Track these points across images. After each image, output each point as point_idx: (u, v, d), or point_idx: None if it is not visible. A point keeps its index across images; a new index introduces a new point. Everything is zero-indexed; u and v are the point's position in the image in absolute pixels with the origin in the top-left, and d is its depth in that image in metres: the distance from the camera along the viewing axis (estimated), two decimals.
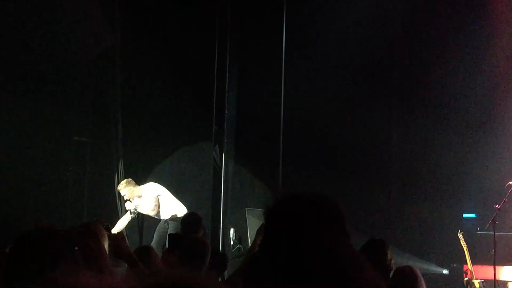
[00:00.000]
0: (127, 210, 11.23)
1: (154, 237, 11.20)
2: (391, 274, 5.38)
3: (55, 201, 11.63)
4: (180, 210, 11.22)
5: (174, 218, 11.06)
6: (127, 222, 11.36)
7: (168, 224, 11.12)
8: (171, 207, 11.27)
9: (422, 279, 5.24)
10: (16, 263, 2.86)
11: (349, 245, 2.10)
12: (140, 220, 12.40)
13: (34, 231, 3.05)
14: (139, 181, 11.72)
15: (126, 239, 5.32)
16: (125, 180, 11.35)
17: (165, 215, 11.22)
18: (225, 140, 13.05)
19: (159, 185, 11.44)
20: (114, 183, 12.41)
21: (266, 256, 2.08)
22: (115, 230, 11.37)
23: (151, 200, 11.22)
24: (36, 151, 11.63)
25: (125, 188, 11.22)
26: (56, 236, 2.96)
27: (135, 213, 11.23)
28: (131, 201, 11.21)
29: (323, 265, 1.97)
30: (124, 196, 11.30)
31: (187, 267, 4.95)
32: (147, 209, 11.22)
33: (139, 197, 11.25)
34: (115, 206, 12.35)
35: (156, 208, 11.20)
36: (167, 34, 12.64)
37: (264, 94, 12.87)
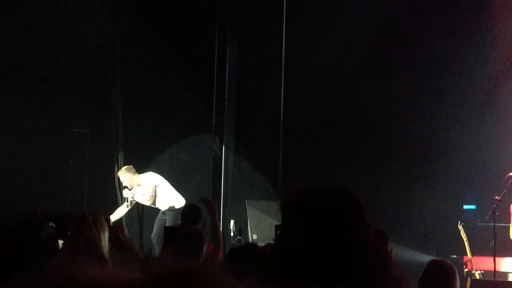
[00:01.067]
0: (125, 198, 11.23)
1: (154, 229, 11.22)
2: (425, 265, 5.38)
3: (55, 193, 11.63)
4: (178, 201, 11.24)
5: (172, 209, 11.08)
6: (124, 212, 11.37)
7: (166, 216, 11.14)
8: (169, 198, 11.28)
9: (457, 275, 5.27)
10: (13, 253, 2.87)
11: (371, 236, 2.06)
12: (140, 211, 12.41)
13: (29, 218, 3.07)
14: (139, 172, 11.72)
15: (126, 230, 5.33)
16: (125, 167, 11.35)
17: (163, 206, 11.24)
18: (225, 131, 13.05)
19: (158, 175, 11.45)
20: (114, 174, 12.42)
21: (285, 251, 2.02)
22: (112, 219, 11.46)
23: (148, 190, 11.22)
24: (37, 142, 11.63)
25: (124, 175, 11.22)
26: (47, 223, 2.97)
27: (133, 203, 11.23)
28: (129, 189, 11.21)
29: (348, 258, 1.93)
30: (123, 183, 11.29)
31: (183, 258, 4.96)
32: (143, 199, 11.23)
33: (138, 185, 11.26)
34: (115, 197, 12.36)
35: (152, 198, 11.21)
36: (167, 25, 12.63)
37: (264, 85, 12.86)
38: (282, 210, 2.12)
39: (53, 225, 3.09)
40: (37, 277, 0.86)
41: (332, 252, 1.94)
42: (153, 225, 11.31)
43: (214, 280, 0.85)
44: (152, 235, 11.18)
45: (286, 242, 2.05)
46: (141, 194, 11.23)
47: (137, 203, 11.43)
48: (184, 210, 9.01)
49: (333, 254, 1.94)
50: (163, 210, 11.22)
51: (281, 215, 2.11)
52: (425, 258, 11.69)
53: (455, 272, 5.33)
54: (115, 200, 12.26)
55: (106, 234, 2.89)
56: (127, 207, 11.26)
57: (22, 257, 2.88)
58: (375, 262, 1.97)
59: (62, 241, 3.10)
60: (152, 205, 11.30)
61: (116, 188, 12.39)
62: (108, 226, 3.01)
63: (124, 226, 11.36)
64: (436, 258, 5.53)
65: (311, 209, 2.06)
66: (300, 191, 2.15)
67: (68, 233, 2.86)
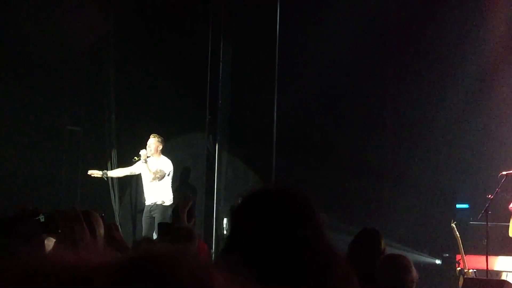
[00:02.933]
0: (139, 154, 11.31)
1: (143, 227, 11.29)
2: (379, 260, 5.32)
3: (48, 190, 11.61)
4: (169, 197, 11.33)
5: (160, 204, 11.14)
6: (128, 171, 11.60)
7: (153, 212, 11.22)
8: (165, 191, 11.36)
9: (412, 268, 5.17)
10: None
11: (318, 238, 2.05)
12: (133, 209, 12.41)
13: (17, 214, 3.07)
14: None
15: (119, 228, 5.33)
16: (161, 137, 11.56)
17: (156, 197, 11.28)
18: (219, 129, 13.04)
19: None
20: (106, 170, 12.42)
21: (231, 255, 2.04)
22: (114, 173, 11.54)
23: (166, 164, 11.44)
24: (30, 140, 11.61)
25: (157, 140, 11.47)
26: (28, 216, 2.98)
27: (142, 161, 11.30)
28: (147, 156, 11.35)
29: (291, 259, 1.95)
30: (149, 147, 11.42)
31: None
32: (155, 166, 11.40)
33: (158, 156, 11.44)
34: (108, 195, 12.34)
35: (159, 176, 11.35)
36: (161, 23, 12.61)
37: (257, 84, 12.86)
38: (230, 213, 2.15)
39: (42, 219, 3.09)
40: (6, 262, 0.86)
41: (274, 253, 1.95)
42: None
43: (185, 263, 0.85)
44: (142, 234, 11.19)
45: (232, 244, 2.07)
46: (156, 163, 11.43)
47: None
48: (175, 207, 9.03)
49: (275, 255, 1.95)
50: (151, 203, 11.28)
51: (230, 219, 2.16)
52: (419, 256, 11.74)
53: (409, 263, 5.15)
54: (108, 198, 12.25)
55: (102, 231, 2.90)
56: (133, 159, 11.39)
57: (7, 253, 2.88)
58: (320, 263, 1.97)
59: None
60: (153, 179, 11.31)
61: (109, 186, 12.38)
62: (103, 223, 3.02)
63: (117, 224, 11.34)
64: (390, 253, 5.44)
65: (253, 211, 2.08)
66: (247, 194, 2.16)
67: (59, 230, 2.86)
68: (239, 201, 2.18)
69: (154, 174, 11.36)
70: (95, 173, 11.60)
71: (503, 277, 10.76)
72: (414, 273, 5.08)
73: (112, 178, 12.23)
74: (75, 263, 0.86)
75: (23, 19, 11.66)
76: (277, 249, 1.96)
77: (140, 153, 11.38)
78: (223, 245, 2.14)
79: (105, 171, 11.71)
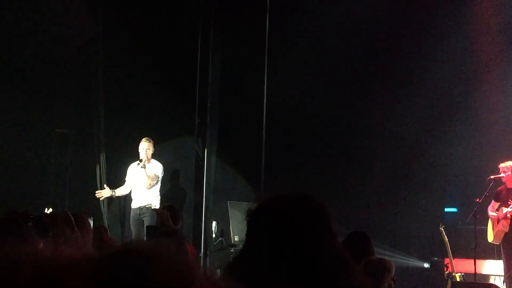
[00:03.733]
0: (140, 159, 11.32)
1: (133, 231, 11.27)
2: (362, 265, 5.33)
3: (36, 193, 11.58)
4: (157, 201, 11.32)
5: (149, 208, 11.12)
6: (129, 187, 11.52)
7: (142, 216, 11.20)
8: (154, 195, 11.34)
9: (390, 271, 5.16)
10: None
11: (335, 244, 2.07)
12: (122, 212, 12.39)
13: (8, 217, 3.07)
14: (122, 174, 11.70)
15: (108, 231, 5.33)
16: (153, 141, 11.51)
17: (143, 202, 11.26)
18: (208, 133, 13.04)
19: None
20: (95, 175, 12.38)
21: (249, 259, 2.05)
22: (121, 192, 11.44)
23: (159, 168, 11.45)
24: (18, 142, 11.57)
25: (150, 143, 11.43)
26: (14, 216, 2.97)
27: (142, 166, 11.31)
28: (142, 158, 11.37)
29: (309, 265, 1.95)
30: (142, 150, 11.38)
31: None
32: (151, 171, 11.36)
33: (149, 161, 11.42)
34: (97, 198, 12.31)
35: (153, 182, 11.32)
36: (150, 26, 12.61)
37: (247, 87, 12.86)
38: (247, 216, 2.15)
39: (30, 223, 3.09)
40: None
41: (292, 257, 1.96)
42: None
43: (165, 258, 0.86)
44: (133, 237, 11.16)
45: (250, 247, 2.08)
46: (150, 167, 11.39)
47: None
48: (163, 209, 9.05)
49: (293, 260, 1.96)
50: (140, 206, 11.26)
51: (247, 222, 2.12)
52: (407, 260, 11.77)
53: (384, 268, 5.17)
54: (97, 201, 12.21)
55: (90, 234, 2.89)
56: (138, 164, 11.37)
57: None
58: (335, 268, 1.98)
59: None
60: (148, 186, 11.30)
61: (98, 189, 12.35)
62: (92, 226, 3.01)
63: (106, 226, 11.33)
64: (371, 258, 5.45)
65: (271, 217, 2.09)
66: (265, 198, 2.17)
67: (50, 233, 2.85)
68: (255, 206, 2.18)
69: (151, 180, 11.34)
70: (104, 194, 11.53)
71: (491, 280, 10.80)
72: (389, 277, 5.09)
73: (100, 181, 12.20)
74: (56, 256, 0.85)
75: (12, 21, 11.62)
76: (294, 254, 1.97)
77: (141, 157, 11.36)
78: (240, 250, 2.14)
79: (113, 191, 11.60)
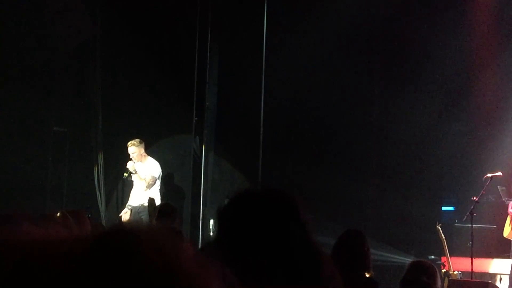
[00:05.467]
0: (127, 169, 11.25)
1: None
2: (407, 265, 5.44)
3: (34, 191, 11.58)
4: (156, 199, 11.31)
5: (146, 207, 11.12)
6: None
7: (141, 214, 11.18)
8: (154, 193, 11.35)
9: (438, 275, 5.32)
10: None
11: (305, 237, 2.07)
12: (119, 211, 12.39)
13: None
14: (119, 173, 11.70)
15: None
16: (138, 140, 11.40)
17: (142, 200, 11.25)
18: (205, 131, 13.05)
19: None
20: (93, 174, 12.39)
21: (219, 255, 2.05)
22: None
23: (155, 168, 11.37)
24: (16, 140, 11.57)
25: (137, 146, 11.30)
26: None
27: (132, 174, 11.24)
28: (134, 162, 11.25)
29: (279, 258, 1.96)
30: (132, 154, 11.30)
31: None
32: (145, 173, 11.30)
33: (142, 162, 11.34)
34: (95, 196, 12.32)
35: (150, 185, 11.31)
36: (148, 25, 12.60)
37: (244, 85, 12.87)
38: (217, 214, 2.16)
39: None
40: None
41: (263, 252, 1.97)
42: None
43: (154, 239, 0.86)
44: None
45: (218, 243, 2.09)
46: (145, 169, 11.35)
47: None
48: (160, 208, 9.05)
49: (264, 255, 1.97)
50: (139, 205, 11.24)
51: (216, 221, 2.15)
52: (404, 258, 11.78)
53: (436, 271, 5.38)
54: (95, 200, 12.23)
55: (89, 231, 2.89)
56: (124, 176, 11.30)
57: None
58: (307, 261, 1.99)
59: None
60: (147, 188, 11.29)
61: (95, 188, 12.36)
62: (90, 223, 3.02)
63: (104, 224, 11.33)
64: (418, 259, 5.57)
65: (241, 212, 2.10)
66: (234, 195, 2.18)
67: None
68: (226, 202, 2.20)
69: (147, 182, 11.30)
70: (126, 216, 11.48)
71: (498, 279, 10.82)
72: (439, 281, 5.20)
73: (98, 177, 12.20)
74: (42, 236, 0.86)
75: (9, 20, 11.62)
76: (263, 248, 1.98)
77: (127, 167, 11.30)
78: (209, 244, 2.15)
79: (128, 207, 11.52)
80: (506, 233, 10.38)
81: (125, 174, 11.30)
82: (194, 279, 0.85)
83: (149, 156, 11.52)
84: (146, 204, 11.23)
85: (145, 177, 11.28)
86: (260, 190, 2.22)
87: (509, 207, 10.42)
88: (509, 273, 10.29)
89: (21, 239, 0.85)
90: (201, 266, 0.87)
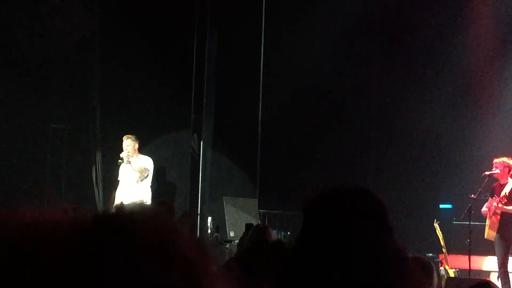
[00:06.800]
0: (121, 157, 11.32)
1: None
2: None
3: (32, 189, 11.56)
4: (149, 196, 11.31)
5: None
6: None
7: None
8: (146, 191, 11.33)
9: (435, 271, 5.31)
10: None
11: (393, 240, 2.02)
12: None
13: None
14: (117, 170, 11.69)
15: None
16: (135, 136, 11.49)
17: (134, 198, 11.23)
18: (204, 128, 13.04)
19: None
20: (91, 172, 12.38)
21: (306, 254, 1.97)
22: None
23: (148, 162, 11.42)
24: (14, 138, 11.56)
25: (132, 141, 11.39)
26: None
27: (126, 162, 11.31)
28: (129, 155, 11.35)
29: (369, 262, 1.92)
30: (126, 147, 11.37)
31: None
32: (139, 165, 11.35)
33: (137, 155, 11.43)
34: (93, 193, 12.31)
35: (142, 177, 11.31)
36: (146, 21, 12.58)
37: (243, 82, 12.86)
38: (304, 211, 2.07)
39: None
40: None
41: (353, 255, 1.92)
42: None
43: (152, 222, 0.87)
44: None
45: (309, 244, 2.01)
46: (138, 161, 11.40)
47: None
48: (157, 206, 9.02)
49: (354, 257, 1.92)
50: (132, 201, 11.22)
51: (303, 217, 2.06)
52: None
53: (433, 268, 5.38)
54: (93, 197, 12.22)
55: None
56: (119, 163, 11.37)
57: None
58: (394, 266, 1.95)
59: None
60: (138, 180, 11.30)
61: (93, 185, 12.35)
62: None
63: None
64: (416, 256, 5.57)
65: (333, 211, 2.03)
66: (322, 192, 2.11)
67: None
68: (311, 199, 2.13)
69: (140, 173, 11.32)
70: None
71: (489, 277, 10.82)
72: (436, 278, 5.19)
73: (96, 175, 12.20)
74: (39, 218, 0.86)
75: (7, 17, 11.60)
76: (354, 249, 1.93)
77: (121, 155, 11.35)
78: (295, 242, 2.09)
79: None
80: (485, 234, 10.27)
81: (120, 161, 11.34)
82: (191, 260, 0.85)
83: (141, 154, 11.52)
84: (139, 201, 11.17)
85: (138, 168, 11.30)
86: (349, 188, 2.12)
87: (483, 208, 10.29)
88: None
89: (17, 221, 0.85)
90: (199, 248, 0.88)
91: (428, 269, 5.26)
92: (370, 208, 2.05)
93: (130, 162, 11.31)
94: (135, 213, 0.88)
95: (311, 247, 1.98)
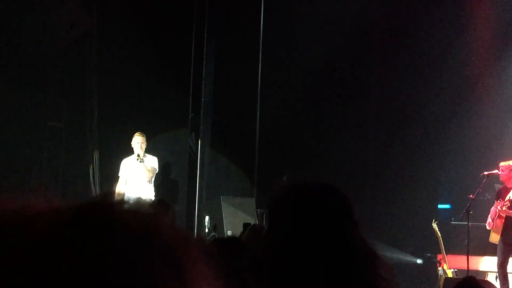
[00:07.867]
0: (137, 154, 11.32)
1: None
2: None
3: (28, 186, 11.51)
4: (152, 193, 11.30)
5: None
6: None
7: None
8: (150, 187, 11.32)
9: None
10: None
11: (359, 236, 2.01)
12: None
13: None
14: (115, 168, 11.67)
15: None
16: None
17: (144, 195, 11.20)
18: (201, 127, 13.02)
19: None
20: (88, 170, 12.35)
21: (271, 251, 1.98)
22: (121, 187, 11.36)
23: (156, 162, 11.49)
24: (11, 136, 11.53)
25: (145, 139, 11.44)
26: None
27: (140, 160, 11.32)
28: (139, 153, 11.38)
29: (337, 257, 1.90)
30: (142, 145, 11.40)
31: None
32: (149, 165, 11.38)
33: (144, 155, 11.46)
34: (90, 192, 12.28)
35: (154, 171, 11.40)
36: (145, 20, 12.55)
37: (240, 81, 12.85)
38: (269, 208, 2.07)
39: None
40: None
41: (320, 251, 1.90)
42: None
43: (133, 210, 0.87)
44: None
45: (274, 241, 2.00)
46: (149, 164, 11.42)
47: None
48: (153, 204, 8.99)
49: (321, 253, 1.90)
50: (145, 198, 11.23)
51: (268, 213, 2.07)
52: (400, 256, 11.77)
53: None
54: (90, 195, 12.18)
55: None
56: (139, 160, 11.35)
57: None
58: (363, 261, 1.93)
59: None
60: (148, 181, 11.30)
61: (90, 183, 12.32)
62: None
63: None
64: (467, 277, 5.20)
65: (298, 207, 2.02)
66: (287, 188, 2.10)
67: None
68: (276, 195, 2.11)
69: (152, 173, 11.37)
70: None
71: (487, 277, 10.80)
72: None
73: (94, 174, 12.17)
74: (20, 207, 0.86)
75: (4, 14, 11.57)
76: (320, 245, 1.91)
77: (137, 152, 11.34)
78: (263, 238, 2.07)
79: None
80: (490, 237, 10.20)
81: (138, 157, 11.33)
82: (172, 247, 0.86)
83: (146, 153, 11.56)
84: (148, 199, 11.15)
85: (150, 168, 11.33)
86: (314, 184, 2.12)
87: (489, 217, 10.16)
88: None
89: None
90: (181, 236, 0.89)
91: None
92: (336, 203, 2.04)
93: (143, 161, 11.32)
94: (120, 202, 0.88)
95: (277, 245, 1.96)
